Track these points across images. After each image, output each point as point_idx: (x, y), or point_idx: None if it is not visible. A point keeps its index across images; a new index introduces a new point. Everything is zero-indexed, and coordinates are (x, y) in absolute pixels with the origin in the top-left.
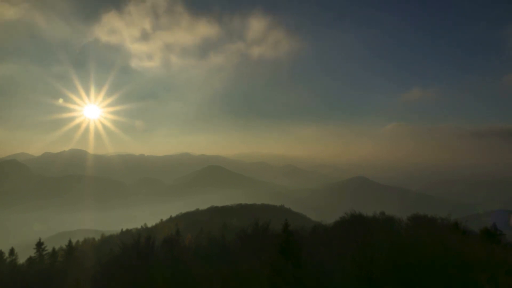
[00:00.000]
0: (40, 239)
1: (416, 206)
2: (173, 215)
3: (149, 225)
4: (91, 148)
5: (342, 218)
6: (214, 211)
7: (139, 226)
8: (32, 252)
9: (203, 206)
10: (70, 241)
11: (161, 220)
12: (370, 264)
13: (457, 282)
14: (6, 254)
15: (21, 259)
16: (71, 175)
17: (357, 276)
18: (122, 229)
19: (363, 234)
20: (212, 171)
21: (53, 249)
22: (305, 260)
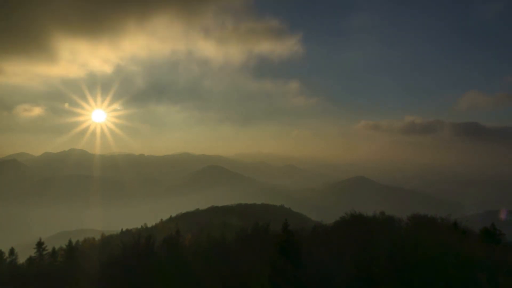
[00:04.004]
0: (40, 239)
1: (416, 206)
2: (173, 215)
3: (149, 225)
4: (90, 148)
5: (342, 218)
6: (214, 211)
7: (139, 226)
8: (32, 252)
9: (203, 206)
10: (70, 241)
11: (161, 220)
12: (370, 264)
13: (457, 282)
14: (6, 254)
15: (21, 259)
16: (70, 175)
17: (357, 276)
18: (122, 229)
19: (363, 234)
20: (212, 171)
21: (53, 249)
22: (305, 260)
